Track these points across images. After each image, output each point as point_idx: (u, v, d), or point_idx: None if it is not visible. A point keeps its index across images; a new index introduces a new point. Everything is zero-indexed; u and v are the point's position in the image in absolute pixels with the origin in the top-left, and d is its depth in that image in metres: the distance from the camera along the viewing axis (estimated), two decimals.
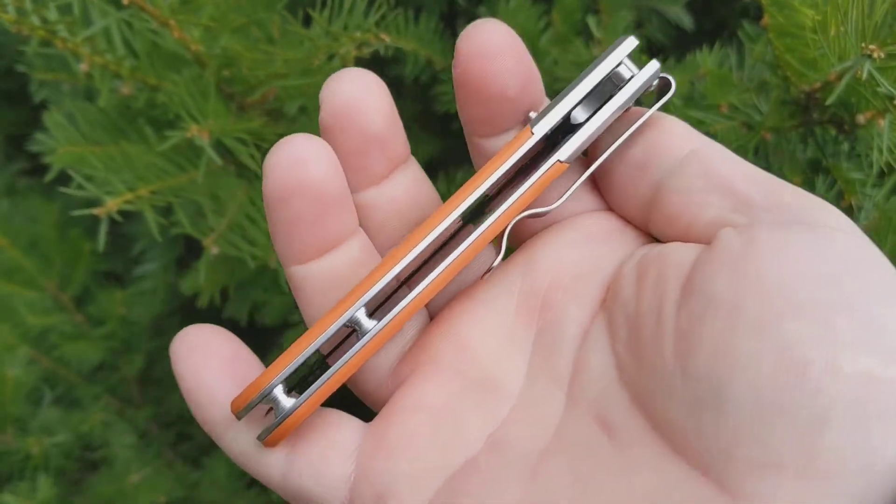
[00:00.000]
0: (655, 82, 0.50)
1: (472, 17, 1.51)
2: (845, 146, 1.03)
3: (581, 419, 0.45)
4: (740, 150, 1.03)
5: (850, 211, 1.18)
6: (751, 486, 0.37)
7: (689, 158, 0.46)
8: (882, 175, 1.08)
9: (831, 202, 1.17)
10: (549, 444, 0.45)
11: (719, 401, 0.38)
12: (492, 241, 0.50)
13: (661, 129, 0.48)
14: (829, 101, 0.81)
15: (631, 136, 0.48)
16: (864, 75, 0.74)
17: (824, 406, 0.37)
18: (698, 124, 1.08)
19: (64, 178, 1.02)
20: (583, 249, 0.49)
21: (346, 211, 0.48)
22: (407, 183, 0.52)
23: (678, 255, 0.44)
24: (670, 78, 0.52)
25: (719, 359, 0.39)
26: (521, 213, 0.49)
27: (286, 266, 0.50)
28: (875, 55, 0.72)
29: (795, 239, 0.43)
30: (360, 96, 0.49)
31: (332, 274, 0.50)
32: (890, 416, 0.37)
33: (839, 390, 0.37)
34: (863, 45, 0.73)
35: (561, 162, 0.47)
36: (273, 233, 0.49)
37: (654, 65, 0.50)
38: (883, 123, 0.85)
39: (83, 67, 0.86)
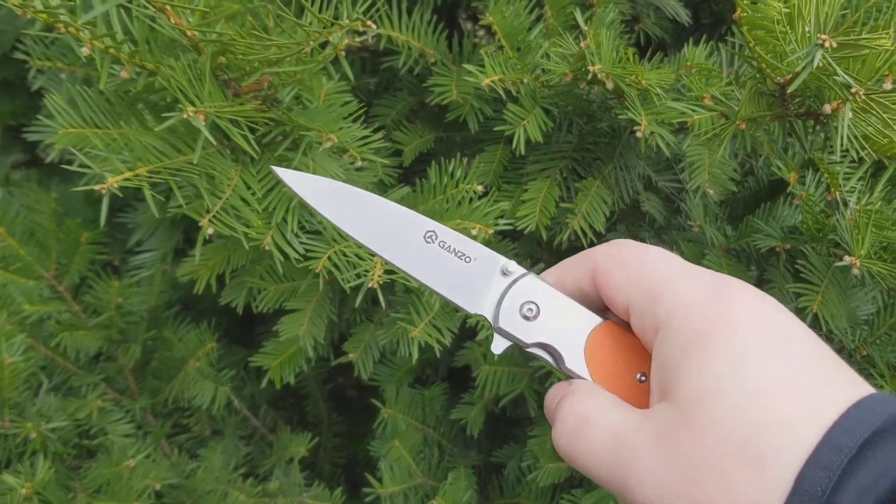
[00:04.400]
0: None
1: (470, 8, 1.58)
2: (821, 136, 1.11)
3: None
4: (715, 139, 1.11)
5: (835, 205, 1.25)
6: None
7: None
8: (854, 162, 1.15)
9: (820, 197, 1.23)
10: None
11: None
12: None
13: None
14: (790, 90, 0.88)
15: None
16: (816, 63, 0.81)
17: None
18: (678, 115, 1.15)
19: (61, 166, 1.09)
20: None
21: None
22: None
23: None
24: None
25: None
26: None
27: None
28: (827, 44, 0.79)
29: None
30: None
31: None
32: None
33: None
34: (817, 35, 0.81)
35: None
36: None
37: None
38: (845, 111, 0.91)
39: (84, 51, 0.94)
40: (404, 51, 1.38)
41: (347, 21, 0.93)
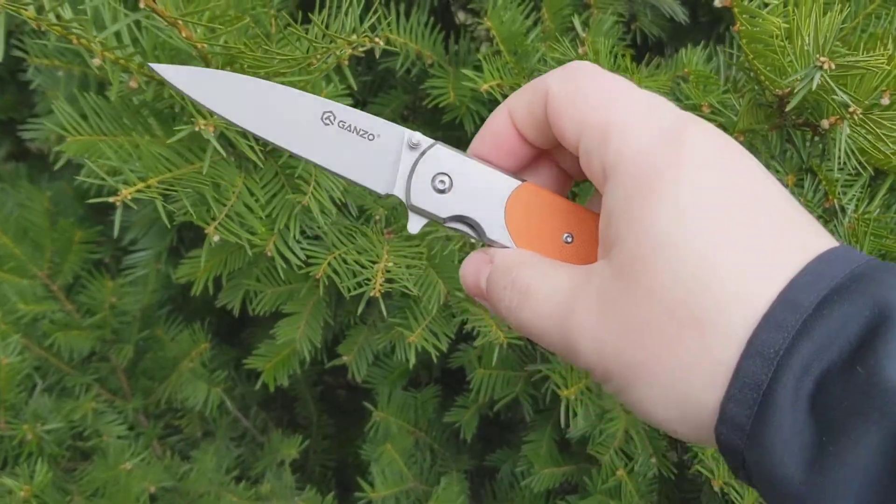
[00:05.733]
0: None
1: (465, 8, 1.61)
2: (819, 147, 1.15)
3: None
4: None
5: (833, 213, 1.28)
6: None
7: None
8: (852, 173, 1.18)
9: (818, 203, 1.27)
10: None
11: None
12: None
13: None
14: (788, 108, 0.92)
15: None
16: (815, 85, 0.86)
17: None
18: None
19: (56, 168, 1.13)
20: None
21: None
22: None
23: None
24: None
25: None
26: None
27: None
28: (826, 66, 0.84)
29: None
30: None
31: None
32: None
33: None
34: (816, 56, 0.85)
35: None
36: None
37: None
38: (843, 127, 0.96)
39: (96, 62, 0.98)
40: (402, 53, 1.41)
41: (355, 38, 0.97)
